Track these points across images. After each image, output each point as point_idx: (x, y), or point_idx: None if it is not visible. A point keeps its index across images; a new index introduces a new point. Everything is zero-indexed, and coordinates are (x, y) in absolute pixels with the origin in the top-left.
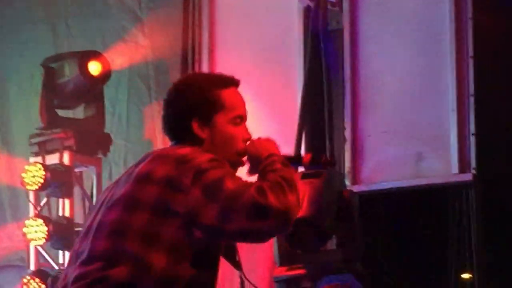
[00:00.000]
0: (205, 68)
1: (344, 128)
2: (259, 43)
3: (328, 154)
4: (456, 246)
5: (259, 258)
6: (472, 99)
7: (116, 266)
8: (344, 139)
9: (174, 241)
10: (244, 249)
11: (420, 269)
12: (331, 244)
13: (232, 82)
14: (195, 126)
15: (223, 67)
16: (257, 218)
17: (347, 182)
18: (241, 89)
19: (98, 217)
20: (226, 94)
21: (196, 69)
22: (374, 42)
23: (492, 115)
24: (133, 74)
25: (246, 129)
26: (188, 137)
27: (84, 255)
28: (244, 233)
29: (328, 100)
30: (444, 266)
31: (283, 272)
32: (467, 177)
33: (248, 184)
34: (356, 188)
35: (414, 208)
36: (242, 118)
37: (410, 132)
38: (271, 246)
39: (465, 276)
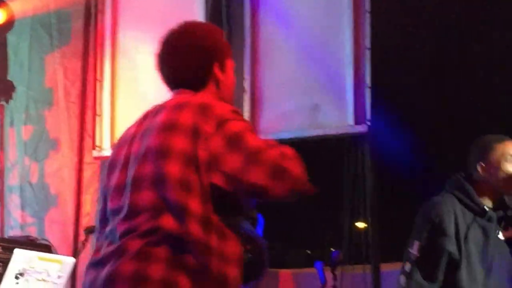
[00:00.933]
0: (108, 17)
1: (243, 79)
2: (162, 13)
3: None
4: (351, 196)
5: None
6: (368, 53)
7: (163, 215)
8: (244, 90)
9: (204, 187)
10: None
11: (315, 218)
12: None
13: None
14: (217, 70)
15: (126, 16)
16: (275, 177)
17: None
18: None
19: (130, 173)
20: (226, 43)
21: (99, 19)
22: (275, 11)
23: (387, 69)
24: (35, 23)
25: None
26: (208, 80)
27: (125, 211)
28: (258, 188)
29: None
30: (339, 215)
31: None
32: (362, 128)
33: (270, 144)
34: None
35: (310, 158)
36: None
37: (308, 84)
38: None
39: (359, 224)
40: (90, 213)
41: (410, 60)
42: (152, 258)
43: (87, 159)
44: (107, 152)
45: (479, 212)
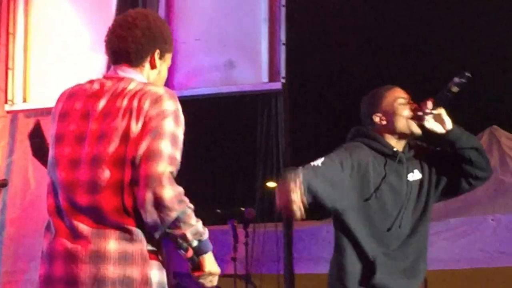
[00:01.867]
0: None
1: None
2: None
3: None
4: (264, 154)
5: None
6: (283, 10)
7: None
8: None
9: None
10: None
11: (228, 176)
12: None
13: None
14: (155, 56)
15: None
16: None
17: None
18: None
19: (89, 149)
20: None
21: None
22: None
23: (302, 26)
24: None
25: None
26: (144, 64)
27: (90, 184)
28: None
29: (143, 7)
30: (252, 173)
31: None
32: (276, 85)
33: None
34: None
35: (224, 115)
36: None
37: (223, 40)
38: None
39: (271, 184)
40: (1, 167)
41: (326, 18)
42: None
43: None
44: (19, 106)
45: (390, 155)
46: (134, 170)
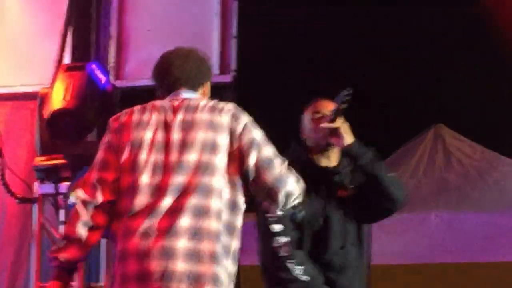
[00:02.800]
0: None
1: (109, 25)
2: None
3: (93, 48)
4: None
5: None
6: (235, 4)
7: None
8: (109, 35)
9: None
10: None
11: None
12: (92, 136)
13: None
14: (208, 85)
15: None
16: None
17: (111, 78)
18: None
19: (174, 156)
20: None
21: None
22: None
23: (254, 19)
24: None
25: None
26: (200, 90)
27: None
28: None
29: None
30: None
31: (44, 161)
32: (227, 78)
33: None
34: (118, 84)
35: None
36: None
37: (174, 32)
38: None
39: None
40: None
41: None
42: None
43: None
44: None
45: (318, 172)
46: (249, 180)
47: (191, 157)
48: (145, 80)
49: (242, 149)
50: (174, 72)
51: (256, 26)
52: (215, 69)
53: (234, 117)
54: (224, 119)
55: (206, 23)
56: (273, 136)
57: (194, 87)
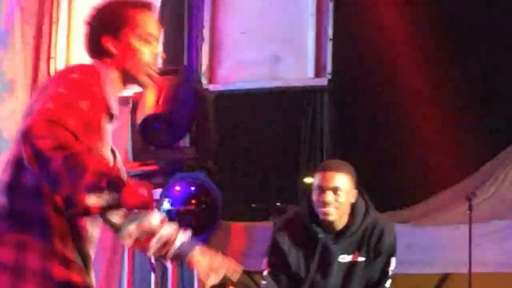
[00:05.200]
0: None
1: (202, 27)
2: None
3: (186, 53)
4: (308, 149)
5: None
6: (331, 4)
7: None
8: (202, 39)
9: None
10: None
11: (272, 169)
12: (185, 141)
13: (147, 6)
14: (106, 42)
15: None
16: None
17: (204, 81)
18: None
19: None
20: (137, 13)
21: None
22: None
23: (350, 21)
24: None
25: (157, 47)
26: (101, 53)
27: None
28: None
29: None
30: (296, 168)
31: (135, 167)
32: (322, 81)
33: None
34: (212, 87)
35: (269, 110)
36: (154, 37)
37: (269, 34)
38: None
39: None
40: None
41: (375, 13)
42: None
43: None
44: None
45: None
46: None
47: None
48: (239, 83)
49: None
50: None
51: (352, 27)
52: (310, 72)
53: None
54: None
55: (301, 25)
56: (370, 140)
57: (92, 56)
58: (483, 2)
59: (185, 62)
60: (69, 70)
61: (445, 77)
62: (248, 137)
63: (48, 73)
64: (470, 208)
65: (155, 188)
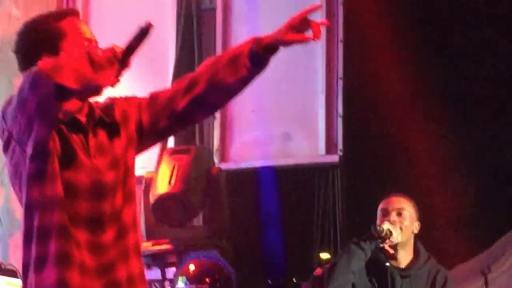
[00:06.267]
0: None
1: None
2: (133, 21)
3: (197, 131)
4: (321, 225)
5: None
6: (340, 82)
7: None
8: (214, 117)
9: None
10: None
11: (285, 246)
12: (198, 220)
13: (69, 12)
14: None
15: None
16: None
17: (216, 159)
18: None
19: None
20: (65, 23)
21: None
22: (246, 23)
23: (359, 98)
24: (5, 46)
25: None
26: None
27: None
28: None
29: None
30: (309, 245)
31: (149, 246)
32: (334, 158)
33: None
34: (224, 166)
35: (281, 187)
36: (89, 40)
37: (279, 112)
38: None
39: (325, 256)
40: None
41: (383, 90)
42: None
43: None
44: None
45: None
46: None
47: None
48: (251, 161)
49: None
50: None
51: (361, 104)
52: (321, 149)
53: None
54: None
55: (311, 102)
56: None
57: None
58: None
59: (197, 141)
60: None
61: (457, 149)
62: (260, 214)
63: None
64: (486, 283)
65: (168, 267)
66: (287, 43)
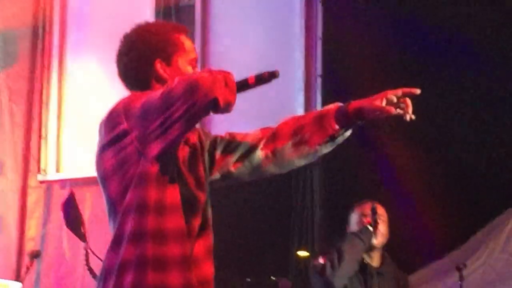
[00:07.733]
0: (55, 41)
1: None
2: (111, 18)
3: None
4: (299, 223)
5: None
6: (319, 80)
7: None
8: None
9: None
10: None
11: (262, 244)
12: None
13: (185, 30)
14: (158, 67)
15: (74, 40)
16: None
17: None
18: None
19: None
20: (183, 38)
21: (47, 41)
22: (225, 20)
23: (338, 96)
24: None
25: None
26: (150, 79)
27: None
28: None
29: None
30: (287, 243)
31: None
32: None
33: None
34: None
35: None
36: (196, 61)
37: (257, 110)
38: None
39: (303, 253)
40: (35, 238)
41: (363, 88)
42: None
43: (32, 183)
44: (52, 176)
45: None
46: None
47: None
48: None
49: None
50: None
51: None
52: None
53: None
54: None
55: (290, 100)
56: None
57: (138, 88)
58: None
59: None
60: (113, 107)
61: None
62: (237, 209)
63: (39, 154)
64: (461, 278)
65: None
66: (374, 109)
